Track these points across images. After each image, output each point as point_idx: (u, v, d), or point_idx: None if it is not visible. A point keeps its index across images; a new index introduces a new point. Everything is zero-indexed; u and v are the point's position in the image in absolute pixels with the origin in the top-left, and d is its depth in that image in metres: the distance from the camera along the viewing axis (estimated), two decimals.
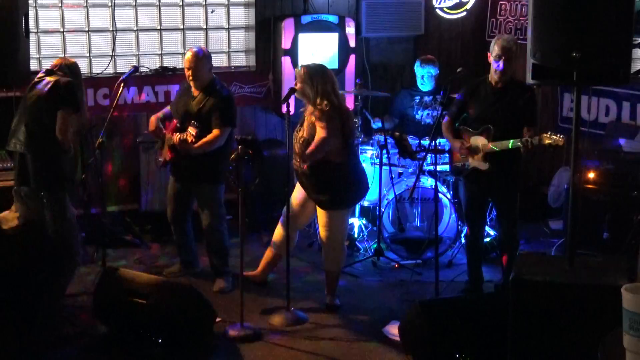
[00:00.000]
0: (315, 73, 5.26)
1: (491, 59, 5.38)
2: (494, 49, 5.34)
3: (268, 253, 5.74)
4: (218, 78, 5.81)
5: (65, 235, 5.30)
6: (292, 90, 5.21)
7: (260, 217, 6.93)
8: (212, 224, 5.79)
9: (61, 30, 6.99)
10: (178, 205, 5.93)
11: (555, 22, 4.00)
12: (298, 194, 5.54)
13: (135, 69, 6.07)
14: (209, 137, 5.58)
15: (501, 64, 5.31)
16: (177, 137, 5.60)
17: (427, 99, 6.90)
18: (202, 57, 5.64)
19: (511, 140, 5.24)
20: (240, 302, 5.09)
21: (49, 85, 5.14)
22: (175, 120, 5.75)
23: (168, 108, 5.98)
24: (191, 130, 5.50)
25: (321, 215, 5.43)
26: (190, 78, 5.67)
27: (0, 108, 6.06)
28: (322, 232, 5.46)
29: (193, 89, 5.72)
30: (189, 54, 5.68)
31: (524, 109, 5.34)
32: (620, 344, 3.00)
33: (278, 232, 5.64)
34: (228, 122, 5.64)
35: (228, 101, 5.70)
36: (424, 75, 6.85)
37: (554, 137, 5.06)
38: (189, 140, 5.50)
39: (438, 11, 8.14)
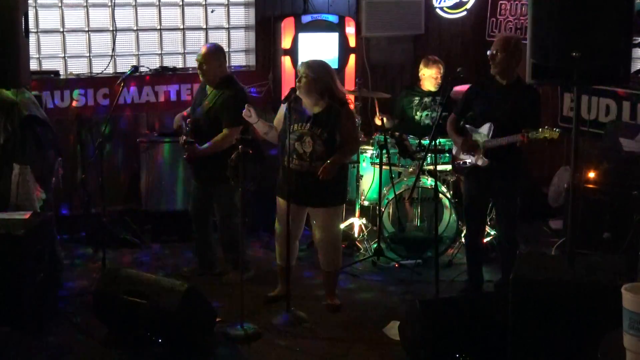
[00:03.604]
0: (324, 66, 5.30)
1: None
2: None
3: (279, 269, 5.63)
4: (234, 76, 5.83)
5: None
6: (293, 90, 5.17)
7: (260, 217, 6.92)
8: (226, 219, 5.80)
9: (61, 30, 7.00)
10: (198, 202, 5.95)
11: (555, 22, 4.01)
12: (282, 204, 5.34)
13: (135, 68, 6.07)
14: (218, 137, 5.56)
15: (492, 53, 5.31)
16: (181, 139, 5.64)
17: (427, 99, 6.90)
18: (211, 53, 5.64)
19: (509, 137, 5.23)
20: (240, 302, 5.09)
21: None
22: (188, 120, 5.77)
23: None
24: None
25: (322, 215, 5.36)
26: (199, 72, 5.69)
27: None
28: (323, 233, 5.39)
29: (207, 86, 5.74)
30: (200, 49, 5.72)
31: (527, 109, 5.33)
32: (620, 344, 3.00)
33: (278, 245, 5.54)
34: (237, 121, 5.52)
35: (237, 98, 5.61)
36: (430, 75, 6.82)
37: (549, 131, 5.07)
38: (180, 143, 5.49)
39: (438, 11, 8.15)
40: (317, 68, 5.22)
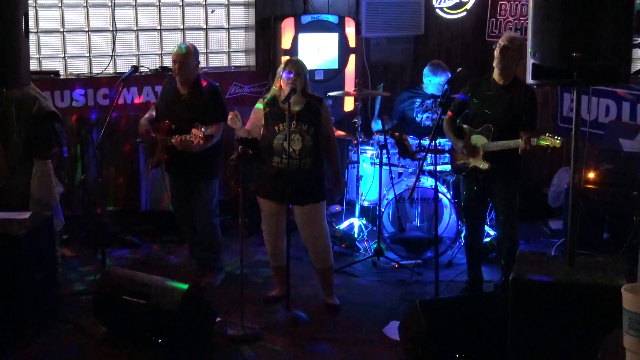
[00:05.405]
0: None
1: None
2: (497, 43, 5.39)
3: (273, 271, 5.66)
4: (202, 74, 5.86)
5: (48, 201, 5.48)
6: (293, 91, 5.18)
7: (260, 217, 6.91)
8: (205, 218, 5.81)
9: (61, 30, 7.00)
10: (182, 203, 5.92)
11: (555, 22, 4.01)
12: (269, 205, 5.42)
13: (135, 68, 6.07)
14: (207, 133, 5.57)
15: (505, 45, 5.30)
16: (178, 138, 5.58)
17: (428, 102, 6.88)
18: (190, 53, 5.66)
19: (511, 141, 5.24)
20: (240, 302, 5.09)
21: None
22: (168, 121, 5.69)
23: (154, 108, 5.98)
24: (197, 132, 5.41)
25: (309, 211, 5.35)
26: (177, 72, 5.67)
27: None
28: (312, 230, 5.39)
29: (180, 86, 5.72)
30: (176, 48, 5.71)
31: (523, 110, 5.32)
32: (620, 344, 3.01)
33: (269, 246, 5.57)
34: (222, 116, 5.62)
35: (219, 95, 5.75)
36: (435, 82, 6.80)
37: (551, 139, 5.06)
38: (196, 142, 5.42)
39: (438, 11, 8.15)
40: (303, 66, 5.31)
